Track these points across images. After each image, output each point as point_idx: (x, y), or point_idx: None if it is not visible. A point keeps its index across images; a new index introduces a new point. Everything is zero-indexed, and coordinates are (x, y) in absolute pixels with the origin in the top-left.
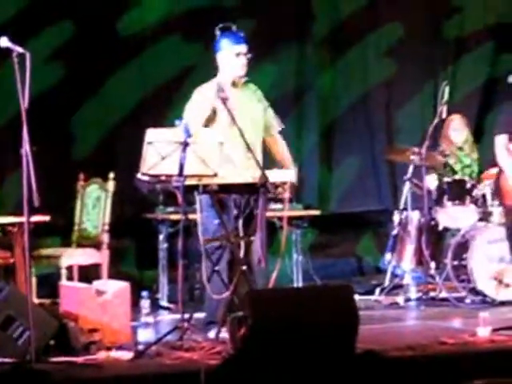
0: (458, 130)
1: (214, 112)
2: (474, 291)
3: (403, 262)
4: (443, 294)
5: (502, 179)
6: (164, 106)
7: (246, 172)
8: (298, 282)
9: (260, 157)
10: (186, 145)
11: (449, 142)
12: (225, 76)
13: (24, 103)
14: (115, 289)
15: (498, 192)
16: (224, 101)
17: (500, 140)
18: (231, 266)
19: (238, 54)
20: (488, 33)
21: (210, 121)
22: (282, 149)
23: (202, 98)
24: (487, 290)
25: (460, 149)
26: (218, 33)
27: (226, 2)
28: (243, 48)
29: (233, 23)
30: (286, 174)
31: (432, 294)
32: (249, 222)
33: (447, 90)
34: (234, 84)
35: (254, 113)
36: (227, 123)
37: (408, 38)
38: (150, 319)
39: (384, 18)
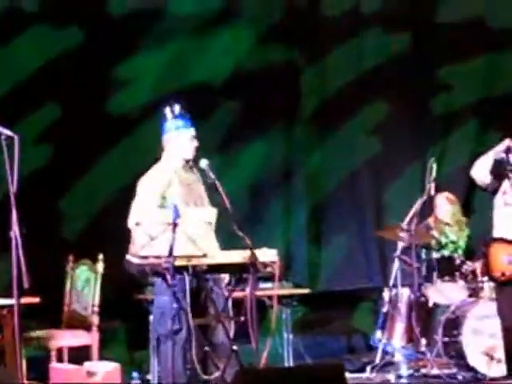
0: (444, 207)
1: (164, 198)
2: (466, 367)
3: (394, 339)
4: (435, 371)
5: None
6: None
7: None
8: (289, 361)
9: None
10: (175, 225)
11: (435, 218)
12: (174, 158)
13: (13, 185)
14: (106, 370)
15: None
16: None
17: None
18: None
19: (192, 138)
20: (473, 110)
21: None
22: None
23: (154, 181)
24: (479, 365)
25: (447, 224)
26: (169, 114)
27: (214, 81)
28: (194, 131)
29: (221, 102)
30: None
31: (423, 370)
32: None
33: (435, 166)
34: (183, 166)
35: (202, 193)
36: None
37: (395, 115)
38: None
39: (371, 96)
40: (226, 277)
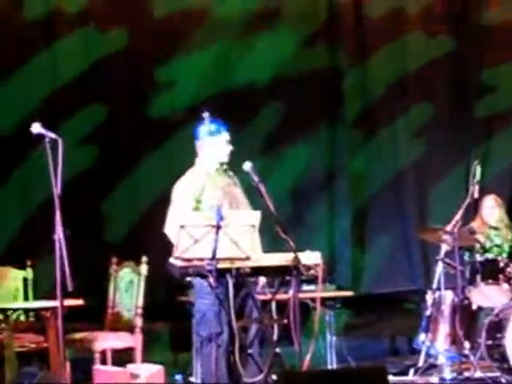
0: (491, 210)
1: (198, 201)
2: (509, 370)
3: (437, 342)
4: (478, 374)
5: None
6: None
7: None
8: (332, 364)
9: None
10: (218, 228)
11: (482, 222)
12: (208, 162)
13: (57, 189)
14: (149, 372)
15: None
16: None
17: None
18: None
19: (226, 142)
20: None
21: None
22: None
23: (189, 185)
24: None
25: (494, 228)
26: (207, 119)
27: (257, 84)
28: (228, 136)
29: (264, 105)
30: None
31: (467, 373)
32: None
33: (479, 169)
34: (216, 169)
35: (238, 196)
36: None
37: (438, 118)
38: None
39: (414, 99)
40: (262, 280)
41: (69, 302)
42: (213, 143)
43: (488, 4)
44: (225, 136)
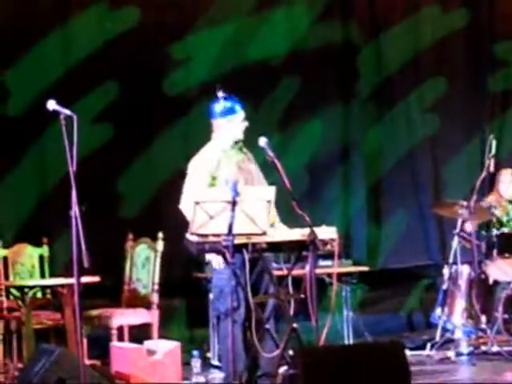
0: (508, 184)
1: (213, 178)
2: None
3: (454, 317)
4: (495, 348)
5: None
6: None
7: None
8: (349, 339)
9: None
10: (234, 203)
11: (498, 196)
12: (224, 139)
13: (72, 165)
14: (166, 348)
15: None
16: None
17: None
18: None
19: (242, 120)
20: None
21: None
22: None
23: (205, 161)
24: None
25: (510, 202)
26: (222, 98)
27: (271, 60)
28: (243, 113)
29: (278, 81)
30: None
31: (483, 347)
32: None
33: (494, 143)
34: (232, 146)
35: (253, 172)
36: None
37: (452, 92)
38: (201, 378)
39: (428, 73)
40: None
41: (85, 279)
42: (228, 123)
43: None
44: (240, 114)
